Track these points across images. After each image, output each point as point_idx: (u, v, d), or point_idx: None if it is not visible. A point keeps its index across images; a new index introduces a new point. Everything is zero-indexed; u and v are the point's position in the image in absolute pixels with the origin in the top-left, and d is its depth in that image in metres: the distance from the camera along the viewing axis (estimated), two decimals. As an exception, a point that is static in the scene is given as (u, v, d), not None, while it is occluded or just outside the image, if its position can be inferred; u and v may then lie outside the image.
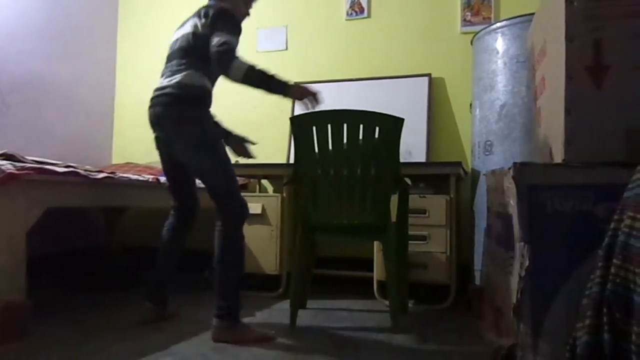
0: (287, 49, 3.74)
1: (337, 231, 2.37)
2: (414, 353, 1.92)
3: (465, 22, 3.31)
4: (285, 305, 2.61)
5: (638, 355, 0.96)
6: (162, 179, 2.78)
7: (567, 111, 1.42)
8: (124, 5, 4.25)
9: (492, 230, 2.00)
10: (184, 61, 2.11)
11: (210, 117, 2.17)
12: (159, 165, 3.61)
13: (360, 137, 2.14)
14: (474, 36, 2.85)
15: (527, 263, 1.40)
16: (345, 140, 2.16)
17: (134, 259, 3.31)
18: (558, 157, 1.50)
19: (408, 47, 3.44)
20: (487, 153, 2.61)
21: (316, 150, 2.20)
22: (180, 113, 2.07)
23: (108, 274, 3.08)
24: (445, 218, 2.65)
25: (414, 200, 2.67)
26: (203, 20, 2.10)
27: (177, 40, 2.21)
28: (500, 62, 2.58)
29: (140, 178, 2.58)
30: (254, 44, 3.77)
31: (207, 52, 2.02)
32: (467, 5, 3.31)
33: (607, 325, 1.08)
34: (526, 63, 2.38)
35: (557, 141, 1.52)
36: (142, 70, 4.09)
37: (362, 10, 3.56)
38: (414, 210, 2.65)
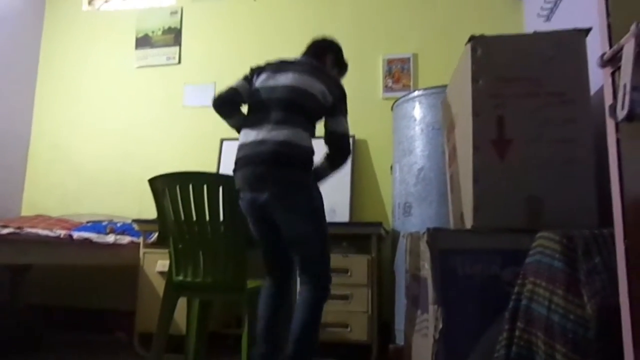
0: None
1: (198, 290, 2.36)
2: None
3: (387, 88, 3.50)
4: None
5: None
6: (75, 234, 2.63)
7: (475, 180, 1.53)
8: (45, 51, 4.13)
9: (409, 292, 2.05)
10: (288, 115, 1.98)
11: (315, 182, 2.06)
12: (74, 218, 3.46)
13: (205, 197, 2.15)
14: (394, 102, 3.01)
15: (440, 326, 1.44)
16: (192, 200, 2.18)
17: (40, 319, 3.06)
18: (468, 223, 1.59)
19: (333, 109, 3.56)
20: (406, 214, 2.71)
21: (171, 210, 2.22)
22: (290, 177, 1.94)
23: (11, 335, 2.82)
24: (367, 277, 2.68)
25: (337, 260, 2.69)
26: (326, 90, 2.05)
27: (275, 88, 2.05)
28: (417, 128, 2.73)
29: (51, 234, 2.43)
30: (181, 99, 3.77)
31: (315, 118, 2.06)
32: (389, 73, 3.51)
33: (513, 387, 1.13)
34: (441, 130, 2.53)
35: (466, 207, 1.61)
36: (61, 117, 3.95)
37: (290, 71, 3.67)
38: (336, 270, 2.66)
